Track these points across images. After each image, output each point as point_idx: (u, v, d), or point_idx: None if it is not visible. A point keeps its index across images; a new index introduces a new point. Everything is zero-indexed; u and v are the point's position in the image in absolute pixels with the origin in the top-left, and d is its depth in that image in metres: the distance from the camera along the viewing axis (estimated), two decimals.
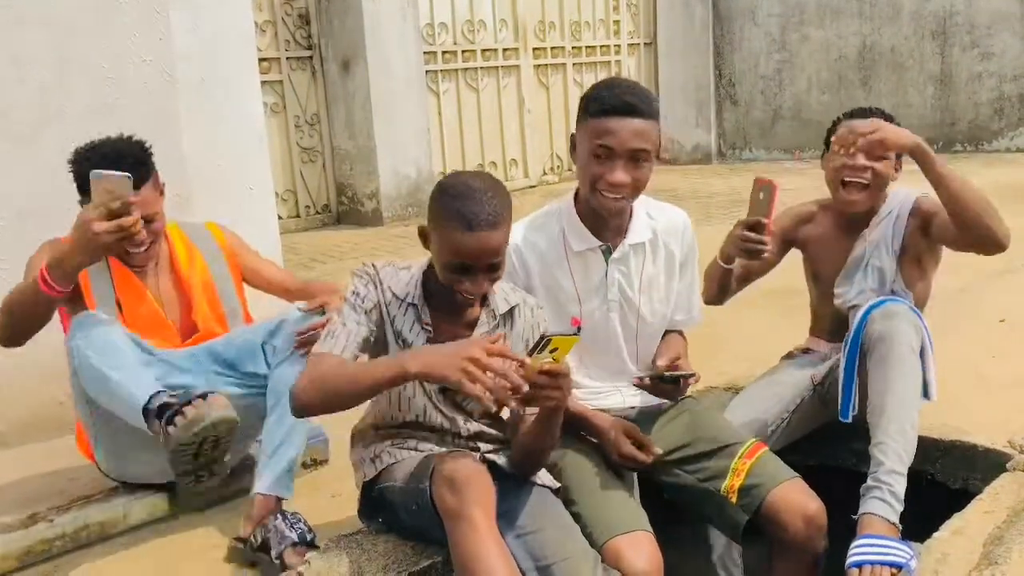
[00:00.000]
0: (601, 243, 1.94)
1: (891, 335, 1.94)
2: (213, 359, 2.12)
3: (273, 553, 1.88)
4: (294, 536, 1.89)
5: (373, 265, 1.77)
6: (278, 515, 1.94)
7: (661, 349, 2.04)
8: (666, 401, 2.06)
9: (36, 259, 2.05)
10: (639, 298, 1.99)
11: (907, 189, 2.24)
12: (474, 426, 1.83)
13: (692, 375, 1.92)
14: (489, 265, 1.64)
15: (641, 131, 1.79)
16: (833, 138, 2.13)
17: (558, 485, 1.84)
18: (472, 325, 1.77)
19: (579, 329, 1.93)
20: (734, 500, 1.86)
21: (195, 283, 2.22)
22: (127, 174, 1.83)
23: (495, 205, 1.62)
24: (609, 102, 1.79)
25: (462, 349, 1.47)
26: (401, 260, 1.83)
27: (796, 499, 1.83)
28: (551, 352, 1.51)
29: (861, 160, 2.13)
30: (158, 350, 2.09)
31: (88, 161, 1.99)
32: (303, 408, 1.63)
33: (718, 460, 1.91)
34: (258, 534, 1.92)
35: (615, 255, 1.95)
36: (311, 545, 1.90)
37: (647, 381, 1.92)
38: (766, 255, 1.99)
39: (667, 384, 1.92)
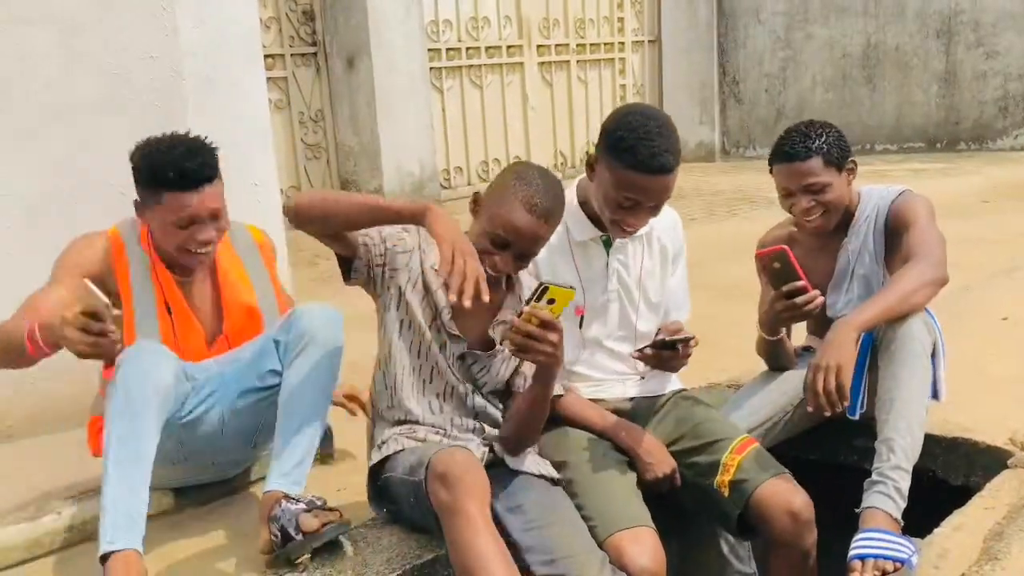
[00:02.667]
0: (601, 233, 1.99)
1: (904, 334, 1.94)
2: (239, 376, 2.02)
3: (292, 532, 1.78)
4: (302, 506, 1.80)
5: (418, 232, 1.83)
6: (280, 502, 1.82)
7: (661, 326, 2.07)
8: (662, 393, 2.09)
9: (64, 259, 1.97)
10: (637, 289, 2.03)
11: (882, 188, 2.23)
12: (479, 401, 1.85)
13: (692, 338, 1.88)
14: (524, 252, 1.77)
15: (669, 185, 1.82)
16: (809, 408, 1.97)
17: (558, 476, 1.86)
18: (498, 304, 1.84)
19: (582, 319, 1.98)
20: (726, 494, 1.88)
21: (232, 287, 2.13)
22: (106, 300, 1.69)
23: (557, 203, 1.76)
24: (646, 162, 1.76)
25: (466, 245, 1.61)
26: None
27: (782, 495, 1.84)
28: (548, 303, 1.58)
29: (805, 203, 2.13)
30: (193, 368, 2.00)
31: (158, 153, 1.93)
32: (298, 211, 1.71)
33: (708, 455, 1.93)
34: (275, 531, 1.80)
35: (615, 245, 2.00)
36: (322, 508, 1.82)
37: (648, 351, 1.90)
38: (819, 305, 2.00)
39: (667, 351, 1.88)
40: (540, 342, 1.59)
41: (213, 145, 2.03)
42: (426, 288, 1.81)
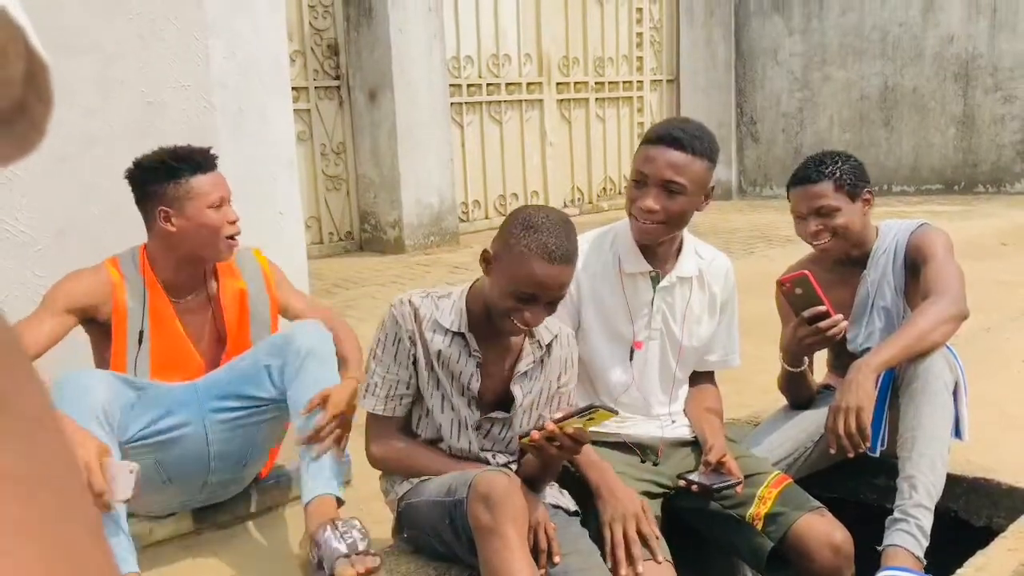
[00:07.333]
0: (651, 269, 1.98)
1: (925, 371, 1.95)
2: (212, 392, 2.04)
3: (327, 570, 1.78)
4: (343, 548, 1.79)
5: (410, 301, 1.79)
6: (327, 527, 1.83)
7: (704, 430, 2.01)
8: (688, 437, 2.08)
9: (59, 289, 2.00)
10: (681, 331, 2.02)
11: (901, 222, 2.25)
12: (502, 458, 1.87)
13: (740, 483, 1.89)
14: (553, 299, 1.68)
15: (677, 163, 1.84)
16: (831, 450, 1.98)
17: (575, 508, 1.86)
18: (517, 353, 1.82)
19: (632, 352, 1.99)
20: (760, 527, 1.88)
21: (232, 311, 2.16)
22: (136, 479, 1.79)
23: (572, 242, 1.68)
24: (656, 132, 1.87)
25: (535, 520, 1.66)
26: (439, 288, 1.87)
27: (823, 528, 1.85)
28: (588, 419, 1.60)
29: (813, 226, 2.15)
30: (156, 384, 2.01)
31: (169, 151, 2.06)
32: (377, 467, 1.91)
33: (744, 488, 1.92)
34: (313, 552, 1.81)
35: (663, 283, 1.99)
36: (365, 553, 1.79)
37: (695, 489, 1.89)
38: (843, 329, 2.00)
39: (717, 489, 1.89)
40: (563, 449, 1.63)
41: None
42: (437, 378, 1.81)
